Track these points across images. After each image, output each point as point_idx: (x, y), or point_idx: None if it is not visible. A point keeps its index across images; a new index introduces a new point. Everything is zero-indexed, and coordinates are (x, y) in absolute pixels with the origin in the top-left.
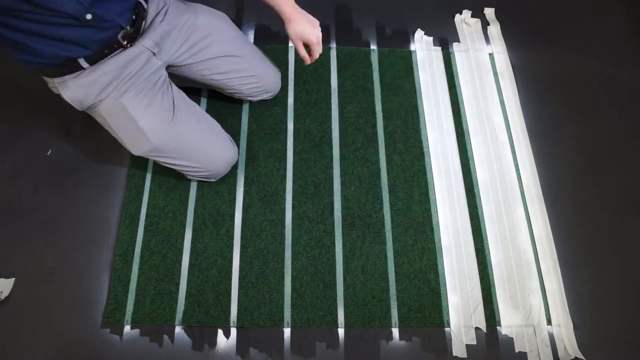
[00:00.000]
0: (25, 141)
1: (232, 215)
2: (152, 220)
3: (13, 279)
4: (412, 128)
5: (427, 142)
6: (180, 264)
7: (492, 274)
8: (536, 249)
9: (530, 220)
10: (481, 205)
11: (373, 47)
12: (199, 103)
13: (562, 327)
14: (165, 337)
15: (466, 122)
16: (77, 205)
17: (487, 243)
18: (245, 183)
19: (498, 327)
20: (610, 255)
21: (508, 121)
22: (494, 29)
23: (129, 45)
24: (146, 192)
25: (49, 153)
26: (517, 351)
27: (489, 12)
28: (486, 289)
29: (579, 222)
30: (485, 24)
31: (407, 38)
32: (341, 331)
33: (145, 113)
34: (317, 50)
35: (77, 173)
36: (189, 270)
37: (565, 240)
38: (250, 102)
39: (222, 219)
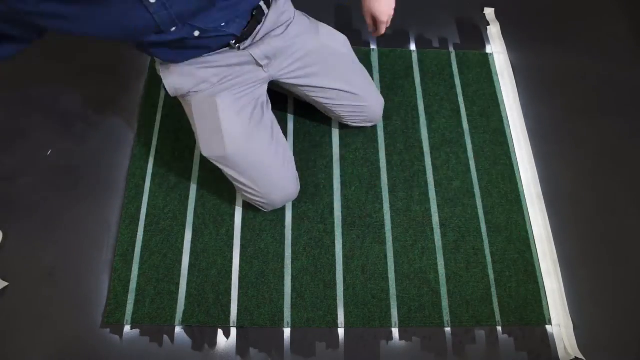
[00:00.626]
0: (25, 141)
1: (232, 215)
2: (152, 220)
3: (6, 284)
4: (412, 128)
5: (427, 142)
6: (180, 264)
7: (492, 273)
8: (536, 249)
9: (530, 220)
10: (481, 205)
11: (373, 47)
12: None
13: (562, 327)
14: (165, 337)
15: (466, 122)
16: (77, 205)
17: (487, 243)
18: None
19: (498, 327)
20: (610, 255)
21: (508, 121)
22: (494, 29)
23: (240, 48)
24: (146, 192)
25: (49, 153)
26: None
27: (489, 12)
28: (486, 288)
29: (579, 222)
30: (485, 24)
31: (407, 38)
32: (341, 331)
33: (233, 118)
34: (383, 27)
35: (77, 173)
36: (189, 270)
37: (565, 240)
38: (347, 126)
39: (222, 219)
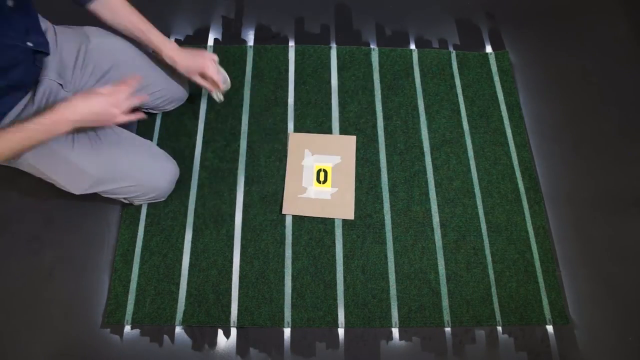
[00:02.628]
0: None
1: (233, 215)
2: (152, 220)
3: None
4: (412, 128)
5: (427, 142)
6: (180, 264)
7: (492, 273)
8: (536, 248)
9: (530, 220)
10: (481, 205)
11: (373, 46)
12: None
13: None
14: (165, 337)
15: (466, 122)
16: (77, 205)
17: (487, 243)
18: (245, 183)
19: (498, 327)
20: (610, 255)
21: (508, 121)
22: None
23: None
24: None
25: None
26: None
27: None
28: (486, 288)
29: (579, 222)
30: (485, 24)
31: (407, 38)
32: (341, 331)
33: (74, 148)
34: (214, 72)
35: None
36: (189, 270)
37: (565, 240)
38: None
39: (222, 219)
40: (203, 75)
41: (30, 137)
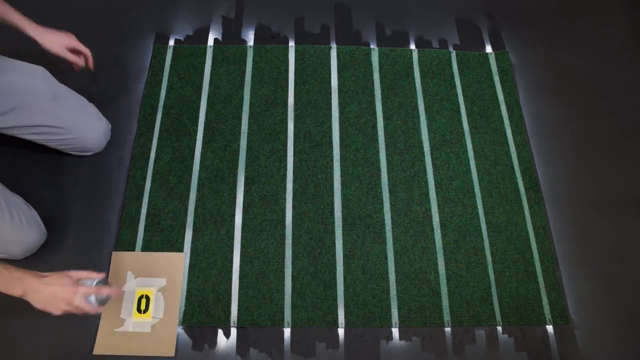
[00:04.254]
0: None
1: (232, 215)
2: (152, 220)
3: None
4: (412, 128)
5: (427, 142)
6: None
7: (492, 273)
8: (536, 248)
9: (530, 220)
10: (481, 205)
11: (373, 46)
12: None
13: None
14: None
15: (466, 122)
16: (77, 205)
17: (487, 243)
18: (245, 183)
19: (498, 327)
20: (610, 255)
21: (508, 121)
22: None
23: None
24: (146, 192)
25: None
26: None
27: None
28: (486, 288)
29: (579, 222)
30: (485, 24)
31: (407, 38)
32: (341, 331)
33: None
34: (82, 47)
35: (77, 173)
36: (189, 270)
37: (565, 240)
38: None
39: (222, 219)
40: (72, 50)
41: None
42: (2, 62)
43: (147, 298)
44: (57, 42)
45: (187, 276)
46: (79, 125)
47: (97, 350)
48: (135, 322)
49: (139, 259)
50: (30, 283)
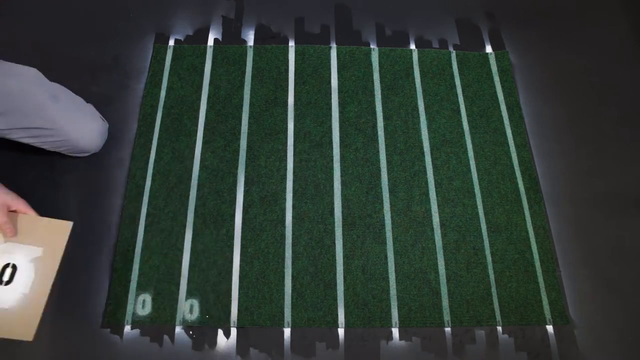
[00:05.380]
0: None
1: (232, 215)
2: (152, 220)
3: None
4: (412, 128)
5: (427, 142)
6: (180, 264)
7: (492, 273)
8: (536, 248)
9: (530, 220)
10: (481, 205)
11: (373, 46)
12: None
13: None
14: (166, 337)
15: (466, 122)
16: (77, 205)
17: (487, 243)
18: (245, 183)
19: (498, 327)
20: (610, 255)
21: (508, 121)
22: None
23: None
24: (146, 192)
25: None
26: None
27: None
28: (486, 288)
29: (579, 222)
30: (485, 24)
31: (407, 38)
32: (341, 331)
33: None
34: (24, 206)
35: (77, 173)
36: (189, 270)
37: (565, 240)
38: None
39: (222, 219)
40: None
41: None
42: None
43: (15, 267)
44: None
45: (186, 276)
46: (72, 126)
47: None
48: None
49: (15, 220)
50: None
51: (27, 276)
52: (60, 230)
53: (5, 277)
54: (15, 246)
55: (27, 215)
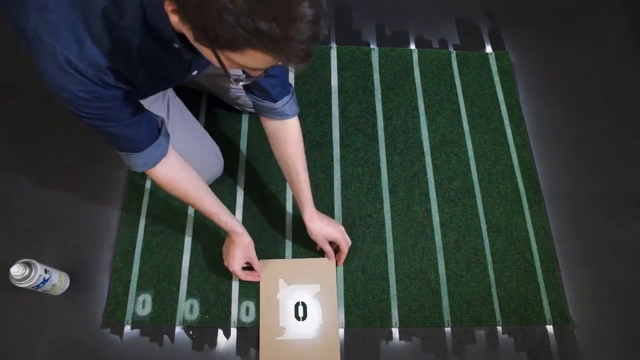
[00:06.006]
0: (24, 140)
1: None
2: (152, 220)
3: None
4: (412, 128)
5: (427, 142)
6: (180, 264)
7: (492, 273)
8: (536, 248)
9: (530, 220)
10: (481, 205)
11: (373, 46)
12: (198, 107)
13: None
14: (166, 337)
15: (466, 122)
16: (77, 205)
17: (487, 243)
18: (245, 183)
19: (498, 327)
20: (610, 255)
21: (508, 121)
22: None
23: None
24: (146, 192)
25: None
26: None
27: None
28: (486, 288)
29: (579, 222)
30: (485, 24)
31: (407, 38)
32: (341, 331)
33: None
34: (345, 244)
35: (77, 173)
36: (189, 270)
37: (565, 240)
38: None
39: None
40: (330, 242)
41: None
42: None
43: (304, 305)
44: (324, 233)
45: (186, 276)
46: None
47: None
48: (295, 330)
49: (288, 266)
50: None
51: (317, 309)
52: (326, 265)
53: (300, 314)
54: (298, 287)
55: (296, 260)
